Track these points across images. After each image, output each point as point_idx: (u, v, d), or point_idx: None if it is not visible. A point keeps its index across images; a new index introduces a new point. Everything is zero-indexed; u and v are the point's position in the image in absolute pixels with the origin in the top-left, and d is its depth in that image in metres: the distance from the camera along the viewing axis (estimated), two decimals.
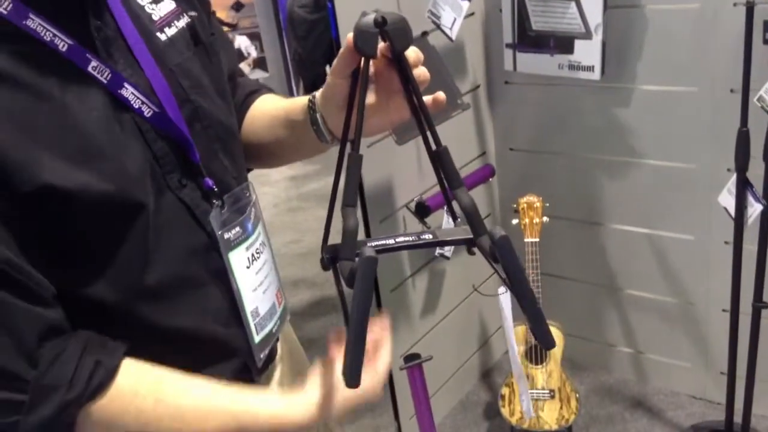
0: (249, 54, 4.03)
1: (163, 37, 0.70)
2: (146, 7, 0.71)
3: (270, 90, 0.91)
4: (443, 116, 1.66)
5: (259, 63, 4.03)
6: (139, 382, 0.64)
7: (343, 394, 0.66)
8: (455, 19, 1.66)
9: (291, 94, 4.44)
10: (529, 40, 1.80)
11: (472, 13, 1.85)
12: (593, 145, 1.90)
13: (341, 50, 0.64)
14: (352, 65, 0.65)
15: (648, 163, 1.83)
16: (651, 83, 1.75)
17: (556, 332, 1.79)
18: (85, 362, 0.60)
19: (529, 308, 0.62)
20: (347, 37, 0.62)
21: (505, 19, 1.82)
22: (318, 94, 0.76)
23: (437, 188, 0.76)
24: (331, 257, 0.65)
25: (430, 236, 0.68)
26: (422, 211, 1.75)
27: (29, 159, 0.56)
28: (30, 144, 0.56)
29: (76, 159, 0.58)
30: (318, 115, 0.76)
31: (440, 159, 0.65)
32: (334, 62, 0.67)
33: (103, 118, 0.61)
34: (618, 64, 1.75)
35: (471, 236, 0.65)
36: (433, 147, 0.66)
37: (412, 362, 1.61)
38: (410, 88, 0.66)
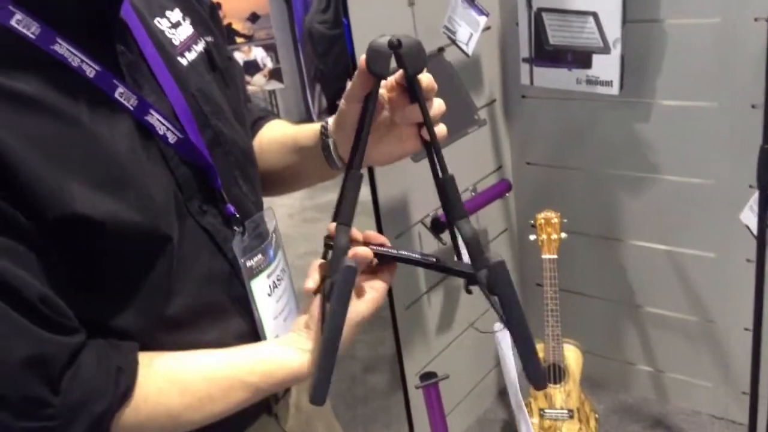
0: (265, 65, 4.04)
1: (184, 61, 0.70)
2: (166, 32, 0.70)
3: (276, 116, 0.92)
4: (460, 132, 1.65)
5: (275, 74, 4.05)
6: (160, 378, 0.63)
7: (345, 335, 0.64)
8: (471, 35, 1.65)
9: (306, 106, 4.45)
10: (547, 54, 1.78)
11: (488, 28, 1.84)
12: (612, 161, 1.88)
13: (355, 73, 0.64)
14: (365, 88, 0.65)
15: (667, 179, 1.81)
16: (670, 98, 1.73)
17: (574, 350, 1.76)
18: (105, 370, 0.59)
19: (520, 342, 0.60)
20: (360, 58, 0.62)
21: (522, 34, 1.80)
22: (331, 120, 0.76)
23: None
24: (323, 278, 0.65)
25: (434, 260, 0.67)
26: (437, 227, 1.74)
27: (58, 187, 0.55)
28: (59, 171, 0.55)
29: (105, 187, 0.57)
30: (330, 141, 0.76)
31: (444, 188, 0.64)
32: (349, 86, 0.67)
33: (131, 145, 0.61)
34: (637, 79, 1.73)
35: (472, 271, 0.64)
36: (440, 174, 0.65)
37: (429, 381, 1.59)
38: (422, 112, 0.65)
